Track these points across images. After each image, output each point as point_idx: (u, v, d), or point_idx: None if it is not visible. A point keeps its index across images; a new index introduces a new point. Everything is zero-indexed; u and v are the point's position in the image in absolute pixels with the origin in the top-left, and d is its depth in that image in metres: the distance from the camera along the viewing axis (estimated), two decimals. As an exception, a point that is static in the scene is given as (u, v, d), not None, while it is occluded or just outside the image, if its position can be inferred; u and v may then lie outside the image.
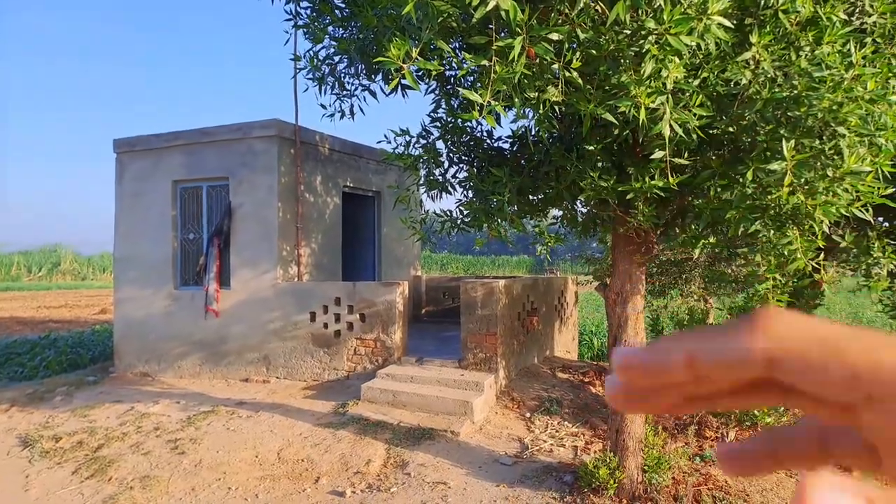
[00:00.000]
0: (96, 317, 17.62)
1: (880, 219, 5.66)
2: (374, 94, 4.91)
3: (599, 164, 3.92)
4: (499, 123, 3.28)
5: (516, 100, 2.96)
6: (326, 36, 4.55)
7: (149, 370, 8.54)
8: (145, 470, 5.30)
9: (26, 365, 9.60)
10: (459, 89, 4.10)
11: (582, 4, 2.84)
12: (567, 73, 2.98)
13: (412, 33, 2.97)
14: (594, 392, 7.32)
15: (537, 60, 2.91)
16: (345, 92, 4.88)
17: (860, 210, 3.31)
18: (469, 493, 4.70)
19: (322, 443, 5.64)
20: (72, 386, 8.02)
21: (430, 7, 2.76)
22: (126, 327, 8.76)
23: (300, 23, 4.74)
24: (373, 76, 4.77)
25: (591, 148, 3.83)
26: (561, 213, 4.96)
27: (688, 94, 3.10)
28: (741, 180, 3.43)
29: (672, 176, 3.45)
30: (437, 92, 4.60)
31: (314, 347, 7.61)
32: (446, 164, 4.86)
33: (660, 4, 2.75)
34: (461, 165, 4.91)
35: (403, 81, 4.09)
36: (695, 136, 3.25)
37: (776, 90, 3.13)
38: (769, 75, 3.15)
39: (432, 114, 4.57)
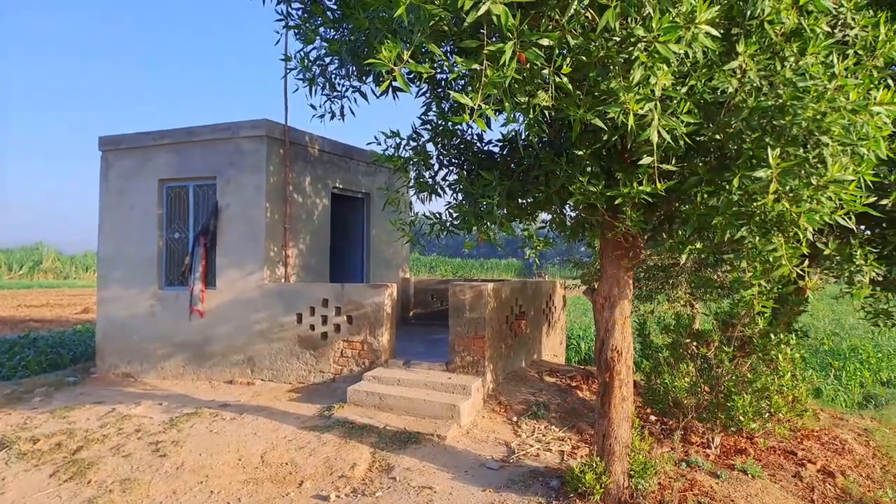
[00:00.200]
0: (78, 316, 17.36)
1: (862, 227, 5.76)
2: (364, 95, 4.90)
3: (588, 169, 3.95)
4: (489, 127, 3.29)
5: (507, 104, 2.97)
6: (318, 37, 4.54)
7: (131, 371, 8.43)
8: (126, 473, 5.23)
9: (4, 365, 9.43)
10: (450, 92, 4.10)
11: (572, 11, 2.86)
12: (557, 79, 3.00)
13: (404, 36, 2.97)
14: (581, 396, 7.34)
15: (528, 65, 2.92)
16: (335, 93, 4.87)
17: (843, 218, 3.36)
18: (455, 498, 4.69)
19: (307, 446, 5.60)
20: (51, 386, 7.89)
21: (422, 10, 2.76)
22: (109, 327, 8.64)
23: (291, 23, 4.73)
24: (363, 78, 4.76)
25: (581, 153, 3.85)
26: (550, 217, 4.98)
27: (676, 101, 3.13)
28: (727, 187, 3.47)
29: (660, 182, 3.48)
30: (427, 95, 4.60)
31: (300, 349, 7.56)
32: (436, 167, 4.87)
33: (649, 12, 2.78)
34: (451, 168, 4.92)
35: (394, 83, 4.10)
36: (682, 143, 3.29)
37: (762, 99, 3.17)
38: (755, 84, 3.19)
39: (423, 116, 4.58)
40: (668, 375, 6.14)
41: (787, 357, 5.74)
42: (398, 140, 4.60)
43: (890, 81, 3.41)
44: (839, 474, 5.85)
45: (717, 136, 3.55)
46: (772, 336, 5.74)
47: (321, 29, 4.56)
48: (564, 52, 3.04)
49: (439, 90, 4.58)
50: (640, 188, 3.56)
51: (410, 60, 2.79)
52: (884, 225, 5.47)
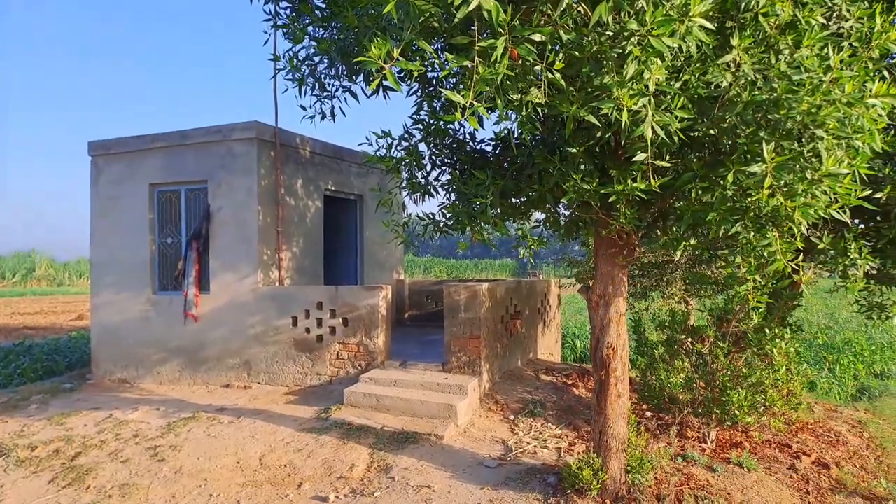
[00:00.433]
0: (73, 323, 17.24)
1: (857, 221, 5.76)
2: (355, 95, 4.87)
3: (582, 167, 3.93)
4: (481, 125, 3.25)
5: (499, 101, 2.94)
6: (306, 36, 4.50)
7: (127, 377, 8.36)
8: (124, 478, 5.18)
9: (0, 373, 9.36)
10: (442, 91, 4.07)
11: (565, 5, 2.83)
12: (550, 75, 2.98)
13: (393, 33, 2.93)
14: (577, 394, 7.33)
15: (520, 62, 2.89)
16: (325, 93, 4.83)
17: (838, 212, 3.35)
18: (453, 496, 4.67)
19: (305, 448, 5.56)
20: (47, 394, 7.82)
21: (412, 6, 2.73)
22: (103, 333, 8.57)
23: (280, 23, 4.69)
24: (354, 77, 4.72)
25: (574, 150, 3.83)
26: (544, 215, 4.96)
27: (669, 96, 3.12)
28: (722, 182, 3.46)
29: (654, 178, 3.46)
30: (419, 93, 4.57)
31: (296, 352, 7.52)
32: (429, 167, 4.83)
33: (642, 6, 2.76)
34: (444, 168, 4.89)
35: (385, 82, 4.06)
36: (676, 139, 3.27)
37: (756, 93, 3.16)
38: (749, 78, 3.17)
39: (414, 116, 4.54)
40: (664, 371, 6.14)
41: (781, 351, 5.75)
42: (390, 140, 4.57)
43: (885, 73, 3.40)
44: (834, 466, 5.87)
45: (712, 132, 3.54)
46: (766, 331, 5.75)
47: (310, 28, 4.52)
48: (557, 47, 3.02)
49: (430, 88, 4.55)
50: (634, 185, 3.55)
51: (401, 58, 2.76)
52: (878, 218, 5.47)
